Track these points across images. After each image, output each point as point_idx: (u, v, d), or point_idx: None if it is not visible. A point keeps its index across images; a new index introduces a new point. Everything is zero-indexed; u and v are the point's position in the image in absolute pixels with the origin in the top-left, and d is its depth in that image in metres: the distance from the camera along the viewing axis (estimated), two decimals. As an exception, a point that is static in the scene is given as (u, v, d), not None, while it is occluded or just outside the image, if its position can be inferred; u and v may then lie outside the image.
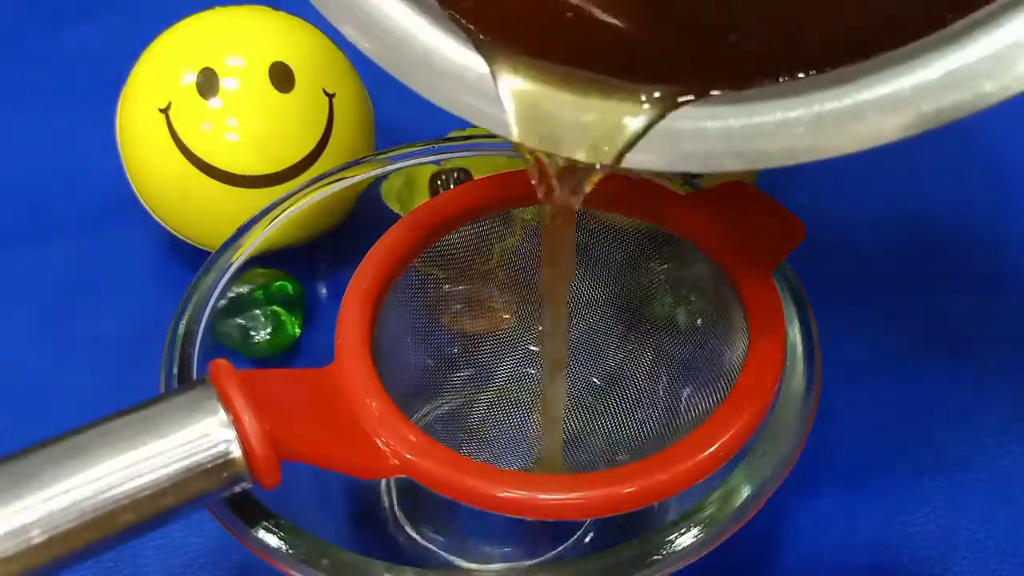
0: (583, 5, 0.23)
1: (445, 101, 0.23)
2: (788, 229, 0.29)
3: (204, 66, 0.36)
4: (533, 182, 0.24)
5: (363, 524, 0.31)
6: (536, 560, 0.30)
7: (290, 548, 0.24)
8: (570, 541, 0.30)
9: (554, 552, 0.30)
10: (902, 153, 0.45)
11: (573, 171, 0.23)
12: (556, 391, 0.31)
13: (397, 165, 0.34)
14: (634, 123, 0.22)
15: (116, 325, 0.38)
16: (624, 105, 0.22)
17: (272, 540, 0.24)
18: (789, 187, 0.36)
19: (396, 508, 0.31)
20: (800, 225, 0.30)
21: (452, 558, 0.30)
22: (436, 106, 0.24)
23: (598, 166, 0.22)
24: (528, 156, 0.23)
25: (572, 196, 0.24)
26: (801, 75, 0.21)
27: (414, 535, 0.30)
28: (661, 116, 0.22)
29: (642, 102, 0.22)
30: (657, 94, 0.22)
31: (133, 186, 0.38)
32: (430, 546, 0.30)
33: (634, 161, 0.22)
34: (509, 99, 0.22)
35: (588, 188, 0.23)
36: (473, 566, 0.30)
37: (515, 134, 0.22)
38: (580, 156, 0.22)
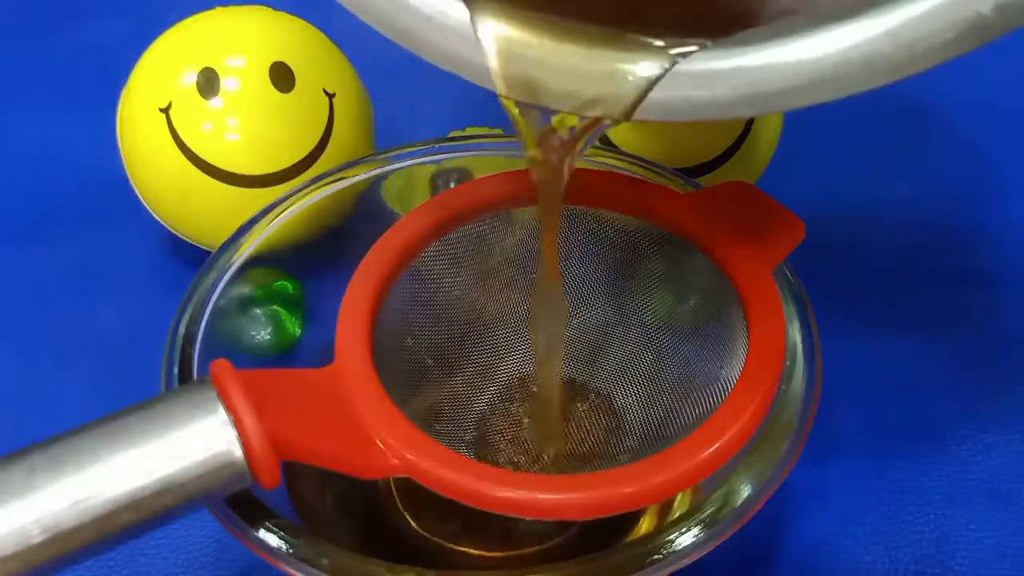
0: None
1: (424, 48, 0.22)
2: (788, 229, 0.29)
3: (205, 66, 0.36)
4: (529, 149, 0.23)
5: (363, 514, 0.31)
6: (540, 547, 0.30)
7: (290, 548, 0.24)
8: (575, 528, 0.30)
9: (560, 539, 0.30)
10: (902, 152, 0.45)
11: (574, 132, 0.22)
12: (552, 389, 0.31)
13: (397, 165, 0.34)
14: (646, 72, 0.21)
15: (116, 325, 0.38)
16: (633, 55, 0.21)
17: (272, 540, 0.24)
18: (789, 187, 0.36)
19: (396, 497, 0.31)
20: (800, 225, 0.29)
21: (452, 546, 0.30)
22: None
23: (609, 121, 0.21)
24: (522, 120, 0.23)
25: (569, 159, 0.23)
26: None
27: (414, 525, 0.30)
28: (672, 65, 0.21)
29: (652, 50, 0.21)
30: (665, 42, 0.21)
31: (133, 186, 0.38)
32: (429, 535, 0.30)
33: (645, 114, 0.21)
34: (503, 51, 0.21)
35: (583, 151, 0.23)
36: (474, 552, 0.30)
37: (503, 88, 0.21)
38: (594, 112, 0.21)
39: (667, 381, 0.31)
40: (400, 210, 0.34)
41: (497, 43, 0.21)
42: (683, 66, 0.21)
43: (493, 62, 0.22)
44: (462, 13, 0.22)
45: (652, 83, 0.21)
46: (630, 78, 0.21)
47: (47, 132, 0.47)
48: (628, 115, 0.21)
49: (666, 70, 0.21)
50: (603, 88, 0.21)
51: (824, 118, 0.46)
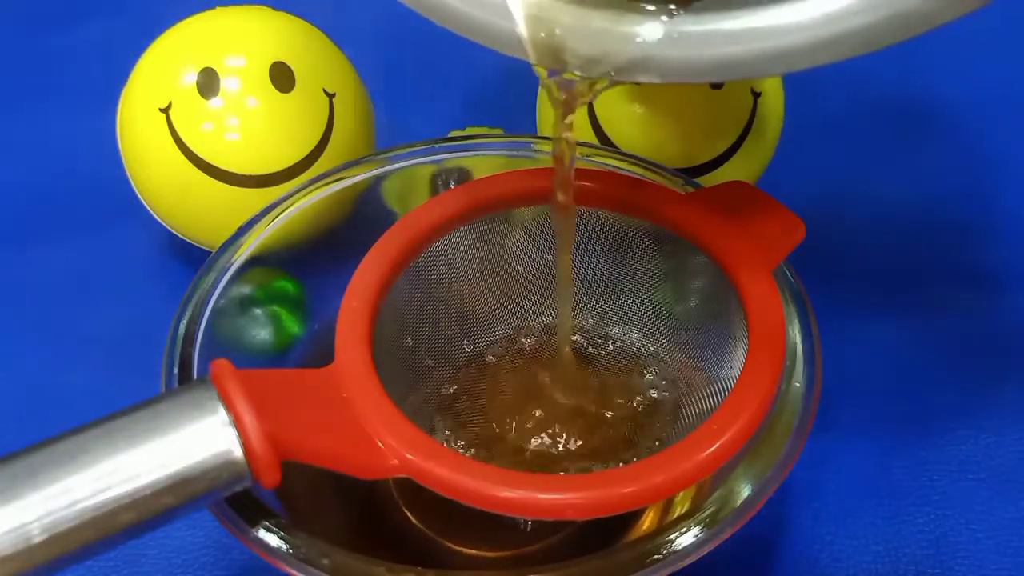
0: None
1: (453, 20, 0.22)
2: (788, 229, 0.29)
3: (204, 66, 0.36)
4: (558, 101, 0.23)
5: (363, 513, 0.31)
6: (540, 546, 0.30)
7: (290, 548, 0.24)
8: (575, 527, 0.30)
9: (559, 538, 0.30)
10: (903, 151, 0.45)
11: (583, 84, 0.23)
12: (557, 387, 0.31)
13: (397, 165, 0.34)
14: (674, 33, 0.21)
15: (117, 325, 0.38)
16: (660, 19, 0.21)
17: (272, 540, 0.24)
18: (789, 186, 0.36)
19: (396, 497, 0.31)
20: (800, 225, 0.30)
21: (452, 545, 0.30)
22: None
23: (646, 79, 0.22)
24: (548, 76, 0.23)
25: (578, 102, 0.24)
26: None
27: (414, 523, 0.30)
28: (700, 26, 0.21)
29: (679, 14, 0.21)
30: (692, 4, 0.21)
31: (133, 186, 0.38)
32: (429, 535, 0.30)
33: (674, 76, 0.21)
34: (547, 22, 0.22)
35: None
36: (474, 551, 0.30)
37: (533, 56, 0.22)
38: (622, 75, 0.21)
39: (667, 381, 0.31)
40: (400, 210, 0.34)
41: (526, 10, 0.22)
42: (711, 26, 0.21)
43: (523, 30, 0.22)
44: None
45: (681, 45, 0.21)
46: (658, 41, 0.21)
47: (47, 132, 0.47)
48: (662, 77, 0.21)
49: (695, 31, 0.21)
50: (631, 51, 0.21)
51: (824, 118, 0.46)
